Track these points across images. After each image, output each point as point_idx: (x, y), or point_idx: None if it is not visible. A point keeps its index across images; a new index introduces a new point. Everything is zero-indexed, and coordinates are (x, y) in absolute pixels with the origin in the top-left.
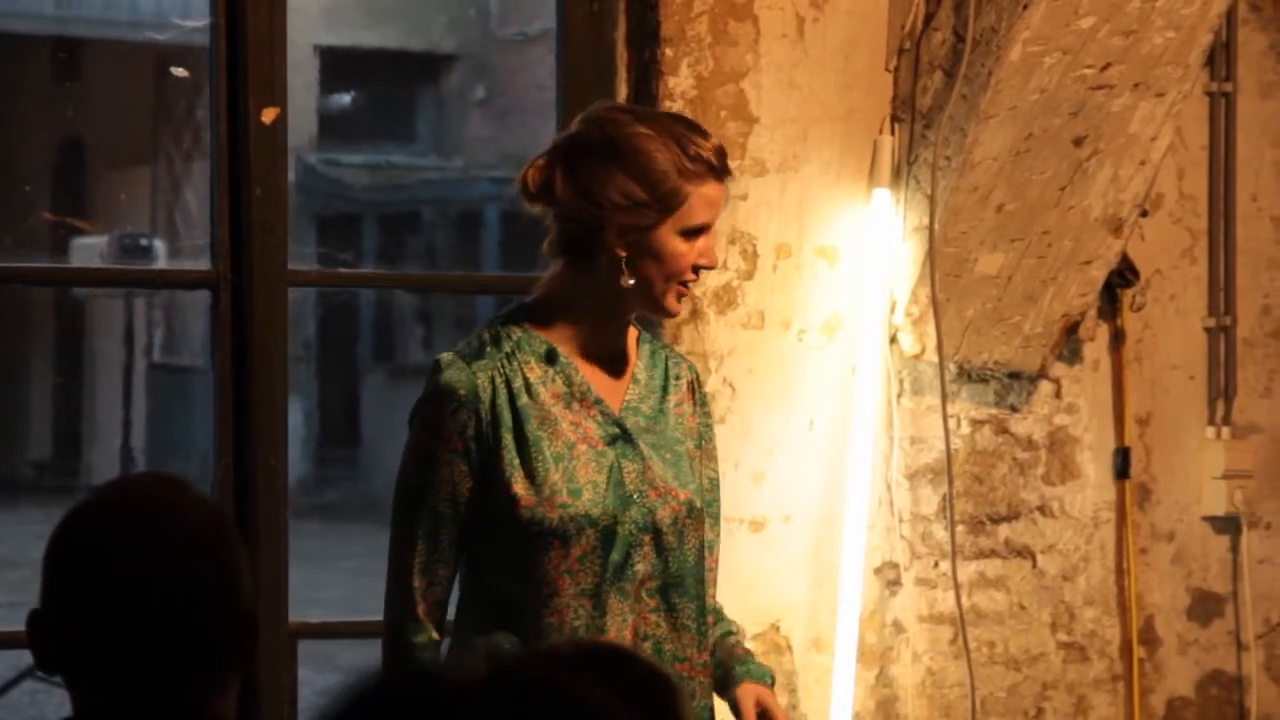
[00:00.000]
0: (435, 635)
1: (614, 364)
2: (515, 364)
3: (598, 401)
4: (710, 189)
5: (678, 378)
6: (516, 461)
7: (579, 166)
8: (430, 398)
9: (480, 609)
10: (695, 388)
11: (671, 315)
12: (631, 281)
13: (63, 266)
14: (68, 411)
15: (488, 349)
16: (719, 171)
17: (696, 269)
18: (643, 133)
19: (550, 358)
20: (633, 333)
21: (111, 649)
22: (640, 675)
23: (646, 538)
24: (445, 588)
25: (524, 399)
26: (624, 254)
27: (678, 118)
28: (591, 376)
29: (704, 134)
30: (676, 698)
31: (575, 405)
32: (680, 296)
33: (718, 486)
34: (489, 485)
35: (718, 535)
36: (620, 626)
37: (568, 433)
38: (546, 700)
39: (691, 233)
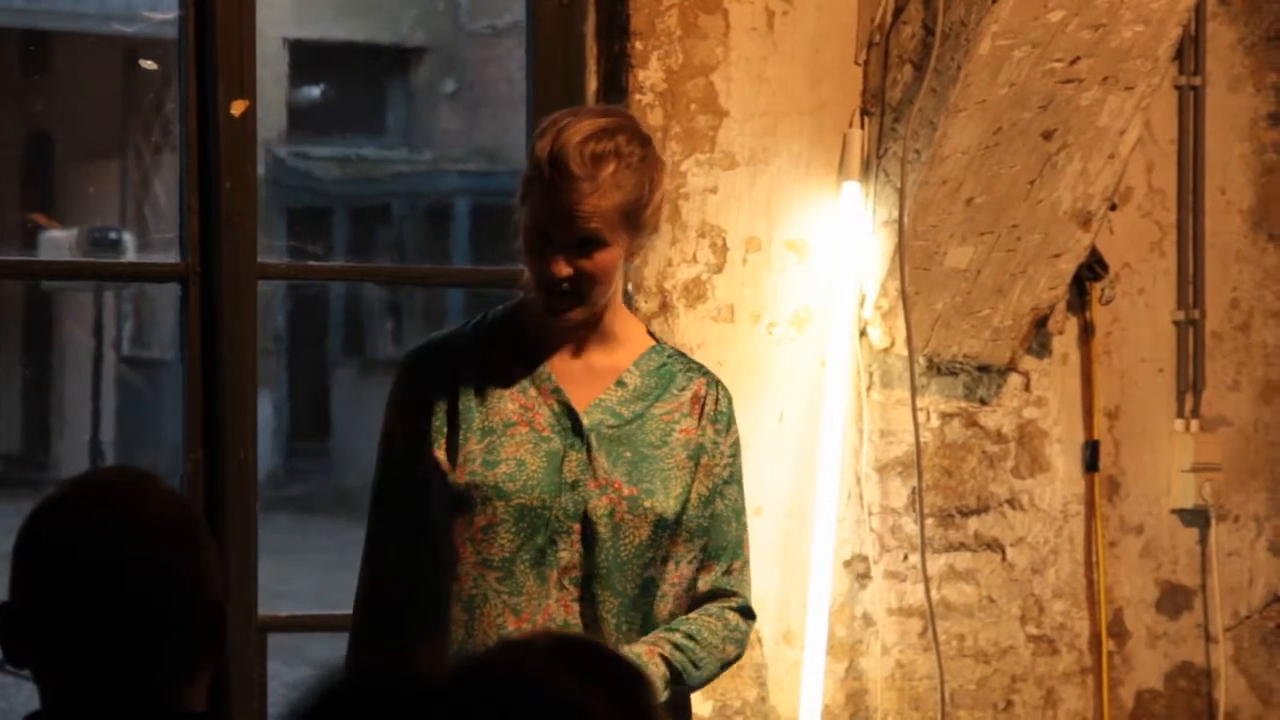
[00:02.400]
0: (394, 605)
1: (589, 363)
2: (479, 343)
3: (556, 391)
4: (551, 196)
5: (681, 389)
6: (445, 430)
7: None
8: (394, 378)
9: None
10: (706, 404)
11: (553, 323)
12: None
13: (31, 259)
14: (36, 405)
15: (454, 336)
16: (564, 185)
17: (550, 283)
18: (544, 127)
19: (521, 344)
20: (644, 343)
21: (80, 642)
22: (611, 667)
23: (575, 526)
24: (404, 554)
25: (468, 373)
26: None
27: (577, 141)
28: (562, 368)
29: (567, 146)
30: (647, 689)
31: (532, 391)
32: (551, 309)
33: (707, 504)
34: (423, 455)
35: (694, 554)
36: (534, 610)
37: (510, 414)
38: (518, 691)
39: (538, 235)
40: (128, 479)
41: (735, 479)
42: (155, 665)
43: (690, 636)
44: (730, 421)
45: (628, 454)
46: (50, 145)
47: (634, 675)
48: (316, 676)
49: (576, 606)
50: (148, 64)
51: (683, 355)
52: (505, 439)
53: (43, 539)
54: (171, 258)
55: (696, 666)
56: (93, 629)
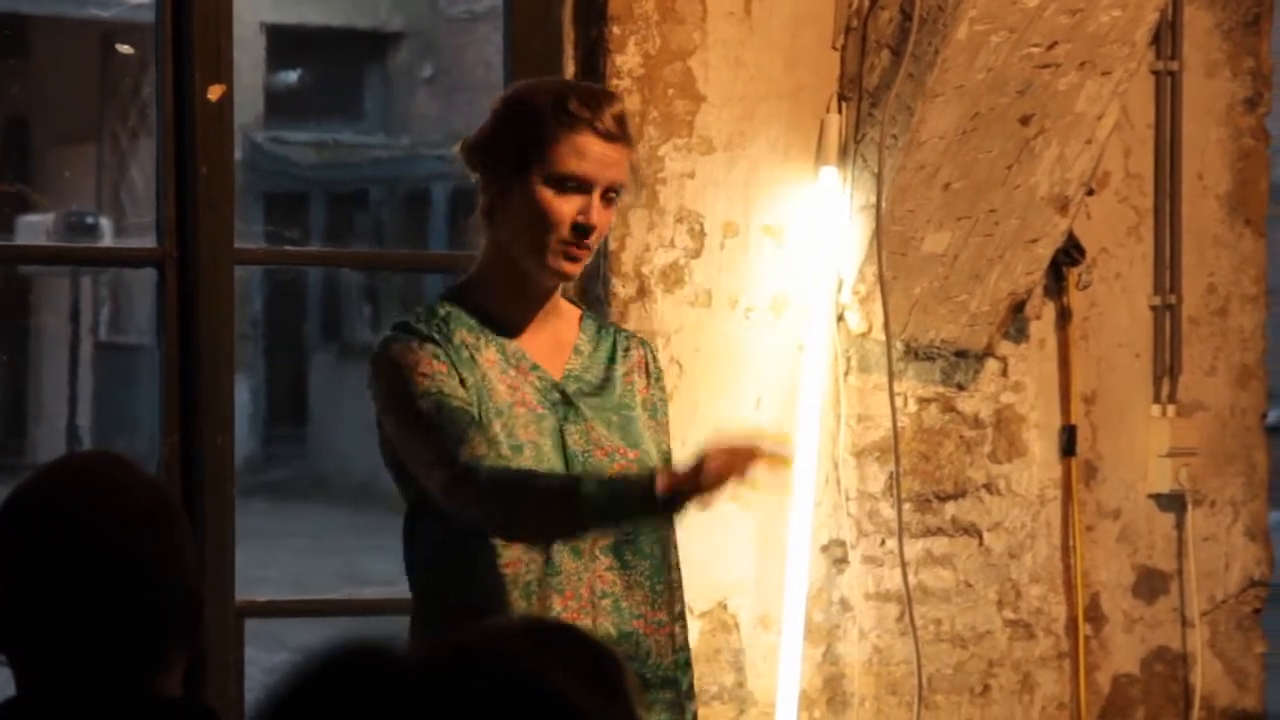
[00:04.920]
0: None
1: (550, 336)
2: (455, 330)
3: (534, 368)
4: (584, 140)
5: (626, 350)
6: (474, 404)
7: (480, 127)
8: (392, 347)
9: (447, 558)
10: (649, 362)
11: (560, 275)
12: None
13: (7, 244)
14: (13, 390)
15: (424, 322)
16: (595, 126)
17: (576, 228)
18: (529, 86)
19: (482, 327)
20: (574, 312)
21: (56, 627)
22: (586, 650)
23: None
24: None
25: (464, 356)
26: (503, 202)
27: (589, 86)
28: (526, 345)
29: (601, 96)
30: (623, 672)
31: (511, 372)
32: (566, 260)
33: (671, 461)
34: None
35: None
36: (576, 585)
37: (504, 395)
38: (494, 674)
39: (559, 182)
40: (104, 464)
41: (665, 429)
42: (131, 650)
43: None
44: (663, 381)
45: (614, 418)
46: (27, 130)
47: (607, 657)
48: (294, 661)
49: (611, 576)
50: (124, 49)
51: (604, 318)
52: (514, 420)
53: (18, 524)
54: (148, 242)
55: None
56: (68, 614)
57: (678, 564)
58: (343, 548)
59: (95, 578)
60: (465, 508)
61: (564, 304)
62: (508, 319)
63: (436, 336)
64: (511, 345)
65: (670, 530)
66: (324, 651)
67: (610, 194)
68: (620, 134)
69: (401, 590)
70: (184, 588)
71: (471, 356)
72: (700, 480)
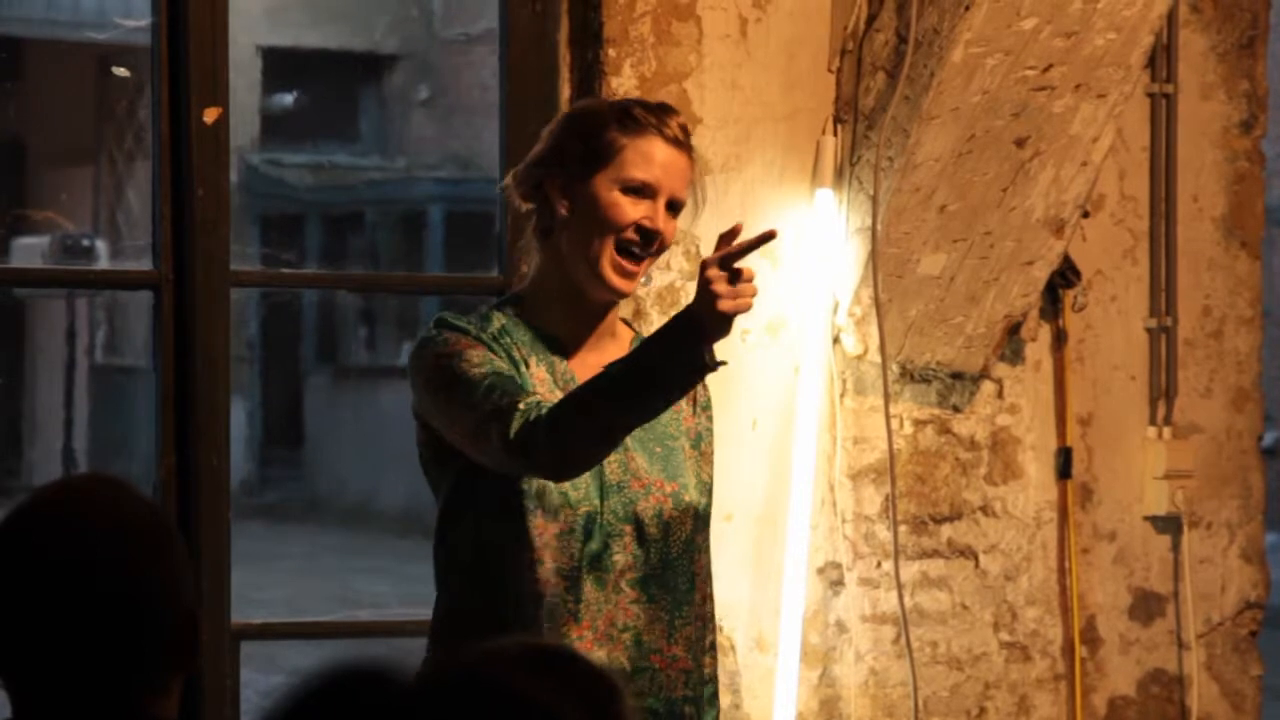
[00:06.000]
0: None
1: (602, 359)
2: (503, 343)
3: None
4: (651, 145)
5: None
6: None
7: (535, 150)
8: (438, 337)
9: (483, 563)
10: (696, 391)
11: (613, 290)
12: (569, 233)
13: (3, 267)
14: (9, 412)
15: (474, 324)
16: (663, 131)
17: (641, 231)
18: (588, 101)
19: (534, 344)
20: (628, 335)
21: (52, 649)
22: (584, 675)
23: (627, 528)
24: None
25: (515, 357)
26: (565, 211)
27: (648, 100)
28: (577, 368)
29: (664, 106)
30: (619, 698)
31: (558, 392)
32: (623, 271)
33: (711, 492)
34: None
35: (707, 538)
36: (594, 616)
37: None
38: (490, 697)
39: (630, 189)
40: (100, 486)
41: (710, 461)
42: (127, 673)
43: None
44: (709, 408)
45: (658, 449)
46: (23, 152)
47: (604, 682)
48: (292, 682)
49: (635, 609)
50: (121, 71)
51: None
52: None
53: (14, 546)
54: (144, 265)
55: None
56: (64, 636)
57: (711, 594)
58: (338, 570)
59: (91, 600)
60: (532, 447)
61: (621, 327)
62: (561, 338)
63: (484, 338)
64: (561, 365)
65: (705, 558)
66: (321, 674)
67: (673, 205)
68: (685, 142)
69: (396, 613)
70: (180, 610)
71: (519, 370)
72: (711, 291)
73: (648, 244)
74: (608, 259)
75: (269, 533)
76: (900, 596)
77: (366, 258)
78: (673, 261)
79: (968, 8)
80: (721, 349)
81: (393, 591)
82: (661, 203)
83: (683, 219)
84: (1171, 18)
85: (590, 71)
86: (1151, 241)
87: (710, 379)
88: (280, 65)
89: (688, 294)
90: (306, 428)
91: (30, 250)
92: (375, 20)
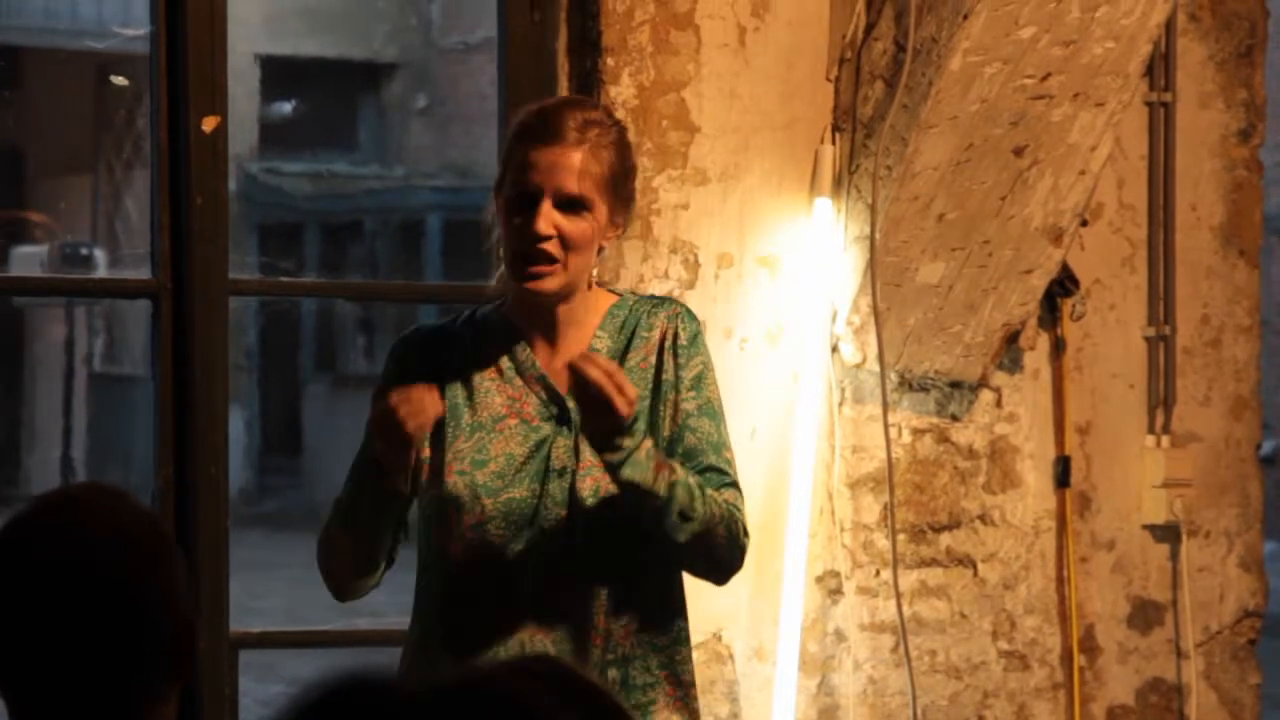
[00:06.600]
0: None
1: (573, 343)
2: (466, 338)
3: (541, 378)
4: (526, 155)
5: (649, 329)
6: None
7: None
8: (389, 357)
9: (422, 582)
10: (673, 335)
11: (531, 293)
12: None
13: (2, 275)
14: (7, 421)
15: (446, 326)
16: (542, 135)
17: (526, 238)
18: (523, 109)
19: (501, 340)
20: (604, 302)
21: (50, 658)
22: (585, 689)
23: (563, 513)
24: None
25: (456, 368)
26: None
27: (566, 97)
28: (541, 353)
29: (566, 105)
30: (619, 711)
31: (518, 381)
32: (529, 275)
33: (677, 442)
34: None
35: (718, 473)
36: (536, 602)
37: (498, 407)
38: (493, 706)
39: (511, 200)
40: (98, 496)
41: (706, 411)
42: (125, 681)
43: (700, 488)
44: (692, 352)
45: None
46: (22, 160)
47: (606, 697)
48: (292, 693)
49: (570, 595)
50: (119, 80)
51: (649, 296)
52: (494, 435)
53: (12, 555)
54: (143, 273)
55: (690, 511)
56: (62, 645)
57: (677, 612)
58: None
59: (90, 609)
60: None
61: (591, 301)
62: (531, 331)
63: (420, 349)
64: (524, 353)
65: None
66: (322, 683)
67: (570, 202)
68: (577, 138)
69: (394, 622)
70: (178, 619)
71: (465, 366)
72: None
73: (531, 245)
74: (515, 270)
75: (267, 541)
76: (899, 605)
77: (365, 266)
78: (671, 270)
79: (966, 16)
80: (719, 358)
81: (391, 601)
82: (546, 202)
83: (672, 226)
84: (1170, 26)
85: (588, 80)
86: (1150, 250)
87: None
88: (279, 74)
89: (686, 302)
90: (305, 436)
91: (29, 259)
92: (374, 29)
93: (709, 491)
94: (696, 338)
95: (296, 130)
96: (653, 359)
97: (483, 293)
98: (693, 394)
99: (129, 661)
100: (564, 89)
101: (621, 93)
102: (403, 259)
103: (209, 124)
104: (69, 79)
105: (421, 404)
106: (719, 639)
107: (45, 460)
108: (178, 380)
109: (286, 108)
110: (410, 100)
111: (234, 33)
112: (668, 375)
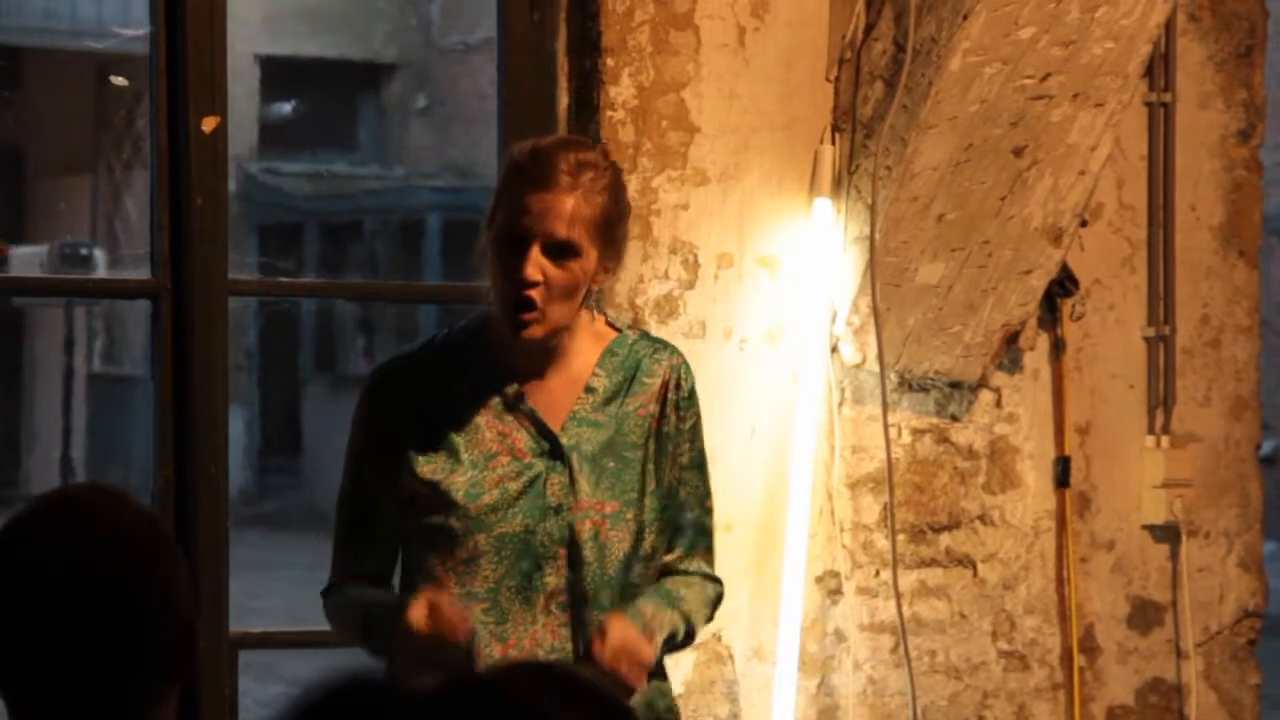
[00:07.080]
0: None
1: (562, 379)
2: (449, 370)
3: (530, 413)
4: (517, 199)
5: (650, 375)
6: (421, 460)
7: None
8: (361, 394)
9: (411, 584)
10: (675, 384)
11: (522, 341)
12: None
13: (2, 275)
14: (7, 421)
15: (423, 353)
16: (534, 178)
17: (515, 284)
18: (516, 146)
19: (484, 369)
20: (603, 336)
21: (49, 659)
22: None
23: (561, 550)
24: (364, 562)
25: (446, 401)
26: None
27: (559, 138)
28: (532, 389)
29: (559, 147)
30: (627, 715)
31: (507, 417)
32: (518, 323)
33: (672, 494)
34: (395, 479)
35: (699, 529)
36: (521, 636)
37: (490, 443)
38: (498, 707)
39: (501, 245)
40: (98, 496)
41: (696, 464)
42: (125, 682)
43: (685, 617)
44: (691, 405)
45: (611, 464)
46: (21, 161)
47: (613, 703)
48: (292, 693)
49: (564, 631)
50: (119, 80)
51: (646, 336)
52: (487, 472)
53: (11, 556)
54: (143, 274)
55: (687, 636)
56: (62, 646)
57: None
58: None
59: (89, 609)
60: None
61: (590, 334)
62: (514, 358)
63: (400, 379)
64: (513, 390)
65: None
66: (322, 683)
67: (560, 248)
68: (570, 183)
69: None
70: (178, 619)
71: (454, 399)
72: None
73: (519, 290)
74: (504, 314)
75: (267, 541)
76: (898, 605)
77: (365, 266)
78: (670, 270)
79: (966, 17)
80: (718, 359)
81: None
82: (535, 248)
83: (672, 226)
84: (1169, 27)
85: (588, 80)
86: (1149, 250)
87: (707, 389)
88: (279, 74)
89: (685, 302)
90: (305, 436)
91: (29, 259)
92: (373, 29)
93: (696, 592)
94: (693, 390)
95: (296, 130)
96: (653, 408)
97: (482, 293)
98: (688, 446)
99: (129, 661)
100: (564, 89)
101: (621, 93)
102: (402, 259)
103: (209, 124)
104: (69, 79)
105: (452, 624)
106: (719, 639)
107: (45, 460)
108: (177, 380)
109: (286, 108)
110: (410, 100)
111: (234, 33)
112: (669, 428)
